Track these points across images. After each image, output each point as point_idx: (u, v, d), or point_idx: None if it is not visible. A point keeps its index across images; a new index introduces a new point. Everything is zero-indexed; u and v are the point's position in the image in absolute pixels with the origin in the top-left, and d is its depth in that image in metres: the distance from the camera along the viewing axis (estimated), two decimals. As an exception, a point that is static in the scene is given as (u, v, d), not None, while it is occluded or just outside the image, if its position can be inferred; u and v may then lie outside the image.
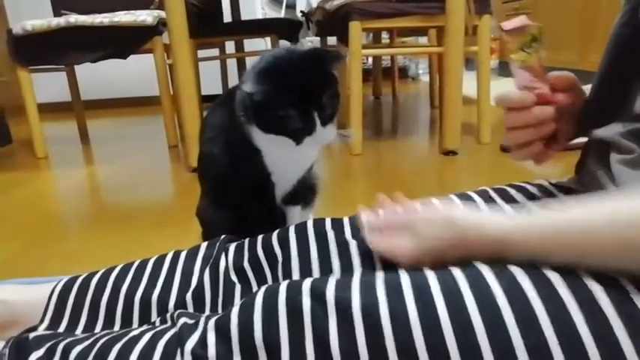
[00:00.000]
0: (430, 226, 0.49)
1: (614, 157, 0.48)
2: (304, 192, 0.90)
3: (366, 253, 0.57)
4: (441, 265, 0.46)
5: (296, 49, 0.74)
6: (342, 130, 0.78)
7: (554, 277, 0.40)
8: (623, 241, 0.38)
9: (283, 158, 0.78)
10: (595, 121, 0.52)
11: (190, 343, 0.46)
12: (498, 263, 0.44)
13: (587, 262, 0.40)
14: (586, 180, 0.53)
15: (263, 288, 0.48)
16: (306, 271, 0.58)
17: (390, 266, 0.55)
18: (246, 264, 0.63)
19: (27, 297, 0.66)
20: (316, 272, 0.58)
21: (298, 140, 0.71)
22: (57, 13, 2.34)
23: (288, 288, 0.46)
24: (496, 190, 0.62)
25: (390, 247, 0.52)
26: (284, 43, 2.55)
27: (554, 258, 0.41)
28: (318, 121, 0.70)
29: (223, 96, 0.89)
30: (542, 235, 0.42)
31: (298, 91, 0.68)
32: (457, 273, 0.43)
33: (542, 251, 0.42)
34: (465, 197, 0.62)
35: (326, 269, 0.57)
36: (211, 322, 0.47)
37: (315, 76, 0.70)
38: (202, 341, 0.46)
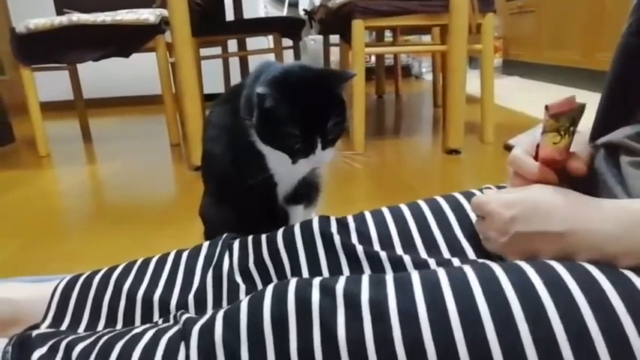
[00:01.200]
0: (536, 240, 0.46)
1: (625, 159, 0.48)
2: (307, 191, 0.89)
3: (374, 257, 0.57)
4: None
5: (309, 66, 0.72)
6: (347, 152, 0.77)
7: (563, 273, 0.40)
8: None
9: (286, 162, 0.78)
10: (604, 129, 0.52)
11: (196, 328, 0.46)
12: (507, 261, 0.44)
13: None
14: (594, 181, 0.53)
15: (272, 283, 0.48)
16: (315, 274, 0.58)
17: (400, 268, 0.55)
18: (251, 265, 0.63)
19: (30, 295, 0.67)
20: (326, 275, 0.58)
21: (294, 159, 0.70)
22: (59, 12, 2.34)
23: (298, 282, 0.46)
24: (500, 189, 0.62)
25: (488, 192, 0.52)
26: (286, 42, 2.55)
27: None
28: (319, 146, 0.68)
29: (226, 94, 0.88)
30: None
31: (306, 112, 0.67)
32: (467, 268, 0.43)
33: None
34: (468, 196, 0.62)
35: (336, 274, 0.57)
36: (220, 312, 0.47)
37: (326, 99, 0.68)
38: (209, 327, 0.46)
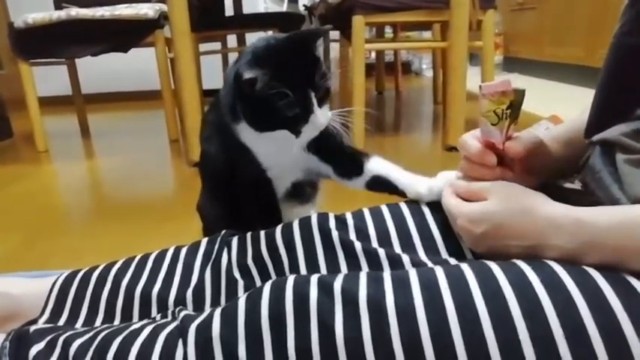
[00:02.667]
0: (500, 189, 0.49)
1: (620, 157, 0.48)
2: (305, 188, 0.89)
3: (372, 254, 0.57)
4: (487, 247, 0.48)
5: (278, 35, 0.73)
6: (341, 110, 0.75)
7: (560, 271, 0.41)
8: None
9: (275, 153, 0.77)
10: (598, 126, 0.52)
11: (194, 325, 0.46)
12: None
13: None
14: (589, 179, 0.53)
15: (271, 280, 0.48)
16: (313, 271, 0.58)
17: (398, 266, 0.55)
18: (250, 261, 0.62)
19: (29, 290, 0.66)
20: (324, 272, 0.58)
21: (297, 130, 0.70)
22: (58, 7, 2.33)
23: (296, 279, 0.46)
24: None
25: (452, 205, 0.53)
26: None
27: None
28: (315, 103, 0.69)
29: (218, 94, 0.88)
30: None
31: (293, 74, 0.67)
32: (464, 266, 0.44)
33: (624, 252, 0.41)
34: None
35: (334, 271, 0.57)
36: (217, 309, 0.47)
37: (304, 58, 0.69)
38: (207, 323, 0.46)
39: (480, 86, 0.51)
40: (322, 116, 0.69)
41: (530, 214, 0.46)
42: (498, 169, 0.55)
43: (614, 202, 0.47)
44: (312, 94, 0.68)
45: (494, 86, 0.50)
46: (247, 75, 0.65)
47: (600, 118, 0.53)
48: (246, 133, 0.73)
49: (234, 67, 0.69)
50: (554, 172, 0.60)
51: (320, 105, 0.69)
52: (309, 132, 0.70)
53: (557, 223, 0.44)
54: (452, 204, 0.53)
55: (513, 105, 0.51)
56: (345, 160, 0.77)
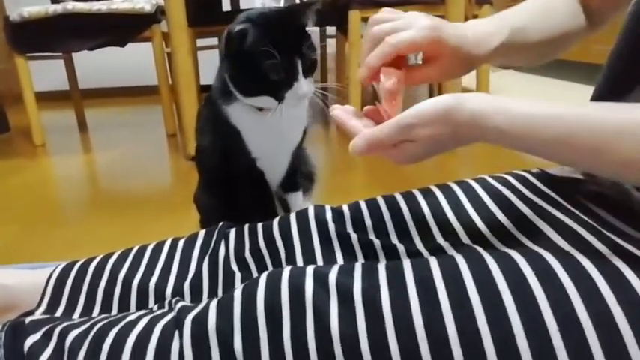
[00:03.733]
0: (429, 128, 0.45)
1: None
2: (301, 179, 0.90)
3: (368, 245, 0.57)
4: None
5: (270, 7, 0.76)
6: (322, 84, 0.78)
7: (554, 263, 0.41)
8: (604, 147, 0.38)
9: (263, 138, 0.78)
10: (609, 99, 0.51)
11: (190, 316, 0.46)
12: (499, 251, 0.44)
13: (559, 159, 0.41)
14: None
15: (266, 272, 0.48)
16: (310, 263, 0.58)
17: (394, 257, 0.56)
18: (247, 253, 0.63)
19: (25, 281, 0.66)
20: (320, 263, 0.58)
21: (279, 94, 0.71)
22: (54, 0, 2.32)
23: (292, 270, 0.46)
24: (495, 179, 0.62)
25: (391, 157, 0.49)
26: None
27: (523, 145, 0.42)
28: (300, 72, 0.70)
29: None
30: (522, 119, 0.41)
31: (282, 39, 0.69)
32: (459, 259, 0.44)
33: (515, 135, 0.41)
34: (462, 186, 0.62)
35: (330, 262, 0.58)
36: (213, 301, 0.47)
37: (294, 28, 0.72)
38: (203, 315, 0.46)
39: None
40: (305, 85, 0.71)
41: (464, 125, 0.43)
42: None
43: (621, 192, 0.47)
44: (299, 62, 0.70)
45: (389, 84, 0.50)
46: (238, 27, 0.67)
47: (613, 86, 0.52)
48: (236, 114, 0.75)
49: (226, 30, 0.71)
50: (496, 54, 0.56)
51: (305, 75, 0.71)
52: (292, 99, 0.72)
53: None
54: (385, 156, 0.49)
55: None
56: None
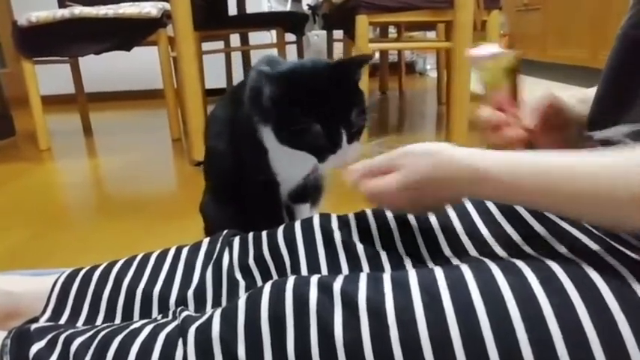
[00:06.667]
0: (412, 157, 0.50)
1: None
2: (311, 190, 0.89)
3: (374, 256, 0.57)
4: (420, 209, 0.51)
5: (321, 60, 0.70)
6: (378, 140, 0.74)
7: (559, 272, 0.41)
8: (605, 192, 0.38)
9: (290, 161, 0.76)
10: (601, 123, 0.52)
11: (194, 325, 0.46)
12: (504, 260, 0.44)
13: (559, 209, 0.43)
14: None
15: (271, 281, 0.48)
16: (314, 272, 0.58)
17: (399, 267, 0.55)
18: (251, 262, 0.62)
19: (30, 288, 0.66)
20: (325, 273, 0.57)
21: (322, 158, 0.68)
22: (62, 5, 2.33)
23: (296, 280, 0.46)
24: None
25: (374, 186, 0.53)
26: (289, 37, 2.54)
27: (524, 198, 0.43)
28: (344, 138, 0.66)
29: (232, 90, 0.87)
30: (518, 171, 0.43)
31: (326, 106, 0.65)
32: (464, 268, 0.43)
33: (514, 188, 0.43)
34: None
35: (335, 272, 0.57)
36: (217, 310, 0.47)
37: (344, 90, 0.67)
38: (207, 324, 0.46)
39: (471, 55, 0.52)
40: (350, 151, 0.68)
41: (445, 162, 0.47)
42: (520, 129, 0.55)
43: None
44: (344, 131, 0.66)
45: (481, 50, 0.52)
46: (267, 91, 0.65)
47: (601, 109, 0.53)
48: (271, 137, 0.71)
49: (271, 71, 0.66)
50: (578, 126, 0.59)
51: (350, 141, 0.67)
52: (334, 162, 0.69)
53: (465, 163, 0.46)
54: (368, 188, 0.54)
55: (508, 67, 0.51)
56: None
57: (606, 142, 0.50)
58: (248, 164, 0.79)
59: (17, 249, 1.11)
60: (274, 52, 2.30)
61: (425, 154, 0.49)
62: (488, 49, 0.51)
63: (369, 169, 0.54)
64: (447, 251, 0.56)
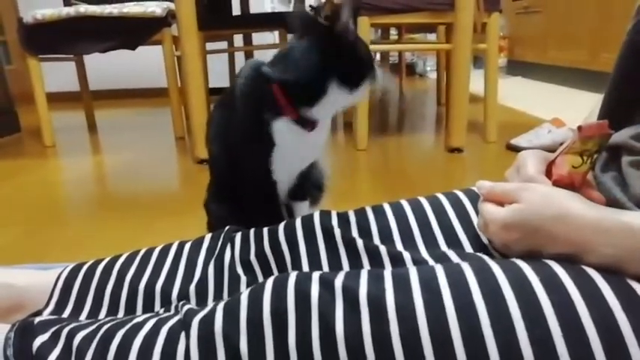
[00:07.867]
0: (533, 193, 0.46)
1: (626, 160, 0.48)
2: (310, 188, 0.90)
3: (374, 252, 0.57)
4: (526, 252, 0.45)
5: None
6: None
7: (560, 271, 0.41)
8: None
9: (293, 152, 0.78)
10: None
11: (196, 319, 0.46)
12: (504, 258, 0.44)
13: None
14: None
15: (273, 276, 0.48)
16: (315, 267, 0.59)
17: (399, 264, 0.56)
18: (252, 257, 0.63)
19: (33, 281, 0.67)
20: (325, 268, 0.58)
21: (373, 76, 0.76)
22: (67, 3, 2.35)
23: (298, 276, 0.47)
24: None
25: (485, 212, 0.50)
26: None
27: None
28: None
29: (230, 91, 0.89)
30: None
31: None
32: (464, 265, 0.44)
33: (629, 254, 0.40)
34: (468, 193, 0.62)
35: (335, 267, 0.58)
36: (220, 304, 0.47)
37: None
38: (209, 317, 0.46)
39: (580, 127, 0.46)
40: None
41: (569, 219, 0.43)
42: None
43: (616, 205, 0.47)
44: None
45: (593, 128, 0.46)
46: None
47: (608, 117, 0.51)
48: (283, 129, 0.75)
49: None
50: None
51: None
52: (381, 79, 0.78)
53: (604, 228, 0.41)
54: (484, 209, 0.51)
55: (601, 148, 0.47)
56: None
57: (609, 146, 0.50)
58: (247, 166, 0.80)
59: (20, 243, 1.12)
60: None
61: (545, 200, 0.45)
62: (596, 127, 0.46)
63: (493, 192, 0.50)
64: (444, 247, 0.57)
